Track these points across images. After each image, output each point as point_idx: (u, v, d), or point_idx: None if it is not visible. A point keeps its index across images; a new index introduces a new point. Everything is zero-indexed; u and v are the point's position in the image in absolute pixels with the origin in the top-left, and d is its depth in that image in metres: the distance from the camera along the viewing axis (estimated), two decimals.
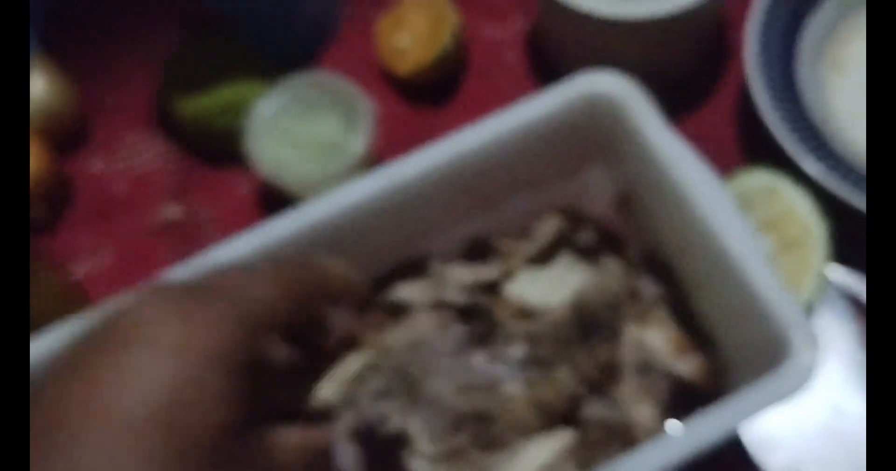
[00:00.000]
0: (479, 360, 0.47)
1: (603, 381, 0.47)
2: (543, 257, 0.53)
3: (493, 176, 0.49)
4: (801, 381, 0.40)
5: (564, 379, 0.46)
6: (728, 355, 0.48)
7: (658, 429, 0.47)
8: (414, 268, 0.53)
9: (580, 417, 0.47)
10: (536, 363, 0.47)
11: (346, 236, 0.48)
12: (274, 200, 0.61)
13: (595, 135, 0.49)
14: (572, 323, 0.48)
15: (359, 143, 0.58)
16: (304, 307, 0.37)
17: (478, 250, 0.54)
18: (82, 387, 0.31)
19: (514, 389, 0.46)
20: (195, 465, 0.30)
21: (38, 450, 0.30)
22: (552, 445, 0.47)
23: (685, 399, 0.48)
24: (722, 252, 0.43)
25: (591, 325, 0.48)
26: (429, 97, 0.67)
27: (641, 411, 0.48)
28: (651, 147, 0.46)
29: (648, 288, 0.51)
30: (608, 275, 0.51)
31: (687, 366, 0.49)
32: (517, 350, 0.48)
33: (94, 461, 0.29)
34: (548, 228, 0.53)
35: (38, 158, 0.63)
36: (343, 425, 0.46)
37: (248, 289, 0.35)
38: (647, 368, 0.50)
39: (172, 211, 0.65)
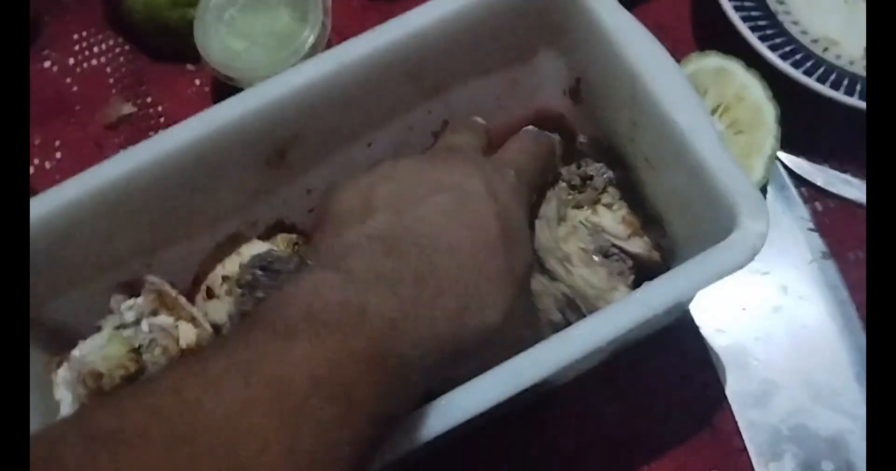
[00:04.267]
0: None
1: None
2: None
3: (443, 58, 0.46)
4: (751, 250, 0.38)
5: None
6: (680, 233, 0.46)
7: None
8: None
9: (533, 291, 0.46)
10: None
11: (293, 123, 0.45)
12: (226, 94, 0.57)
13: (547, 15, 0.46)
14: None
15: (310, 34, 0.55)
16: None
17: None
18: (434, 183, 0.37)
19: None
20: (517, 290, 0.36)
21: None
22: None
23: (640, 278, 0.47)
24: (672, 127, 0.40)
25: None
26: None
27: (595, 287, 0.46)
28: (603, 24, 0.43)
29: (600, 173, 0.49)
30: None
31: (639, 245, 0.47)
32: None
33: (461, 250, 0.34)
34: None
35: None
36: None
37: (528, 162, 0.43)
38: (601, 248, 0.48)
39: (124, 107, 0.61)
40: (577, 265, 0.47)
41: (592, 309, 0.45)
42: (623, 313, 0.37)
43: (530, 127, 0.44)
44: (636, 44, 0.42)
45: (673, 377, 0.50)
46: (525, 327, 0.39)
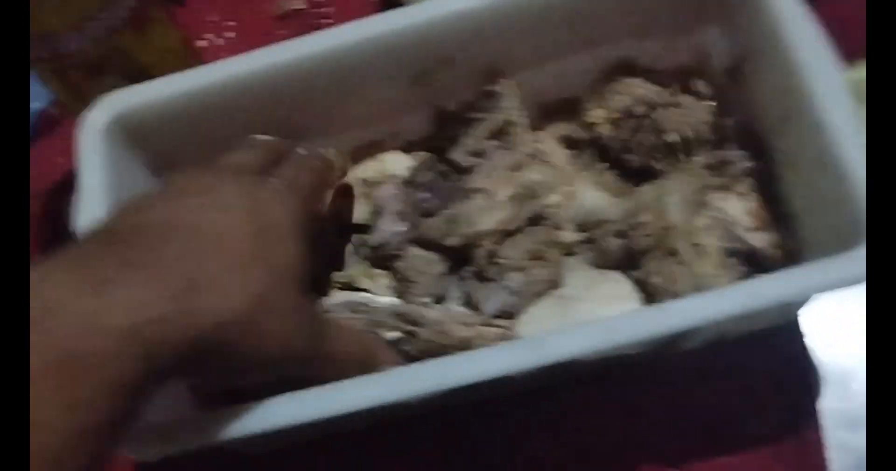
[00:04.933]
0: None
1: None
2: None
3: (603, 13, 0.46)
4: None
5: None
6: (809, 238, 0.44)
7: None
8: None
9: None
10: None
11: (442, 46, 0.46)
12: (395, 7, 0.58)
13: None
14: None
15: None
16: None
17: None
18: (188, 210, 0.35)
19: None
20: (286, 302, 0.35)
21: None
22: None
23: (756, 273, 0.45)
24: (821, 129, 0.38)
25: None
26: None
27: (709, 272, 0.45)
28: (770, 8, 0.41)
29: (739, 160, 0.47)
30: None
31: (762, 239, 0.45)
32: None
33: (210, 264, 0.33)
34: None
35: None
36: None
37: (296, 177, 0.42)
38: (723, 235, 0.46)
39: (297, 1, 0.63)
40: (707, 262, 0.45)
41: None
42: (726, 299, 0.37)
43: (301, 150, 0.45)
44: (799, 36, 0.40)
45: (769, 379, 0.49)
46: (301, 329, 0.37)
